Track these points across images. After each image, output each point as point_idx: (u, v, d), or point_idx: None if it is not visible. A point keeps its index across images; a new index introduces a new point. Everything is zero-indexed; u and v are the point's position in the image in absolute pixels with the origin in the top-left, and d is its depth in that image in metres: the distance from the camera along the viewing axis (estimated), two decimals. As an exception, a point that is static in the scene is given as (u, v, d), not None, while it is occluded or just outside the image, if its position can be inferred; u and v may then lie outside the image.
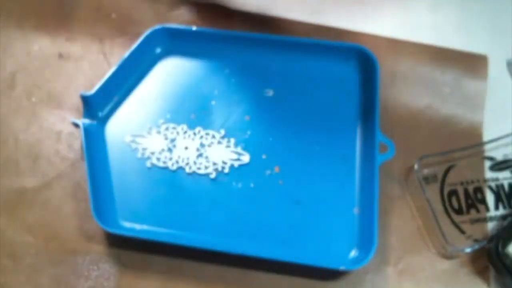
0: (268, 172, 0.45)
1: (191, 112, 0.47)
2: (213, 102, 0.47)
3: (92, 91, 0.44)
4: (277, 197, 0.44)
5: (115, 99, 0.46)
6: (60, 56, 0.49)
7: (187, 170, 0.45)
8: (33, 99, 0.48)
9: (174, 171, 0.45)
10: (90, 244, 0.43)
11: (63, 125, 0.47)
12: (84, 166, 0.44)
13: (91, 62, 0.49)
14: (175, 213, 0.44)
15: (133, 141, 0.45)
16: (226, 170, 0.45)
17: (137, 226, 0.43)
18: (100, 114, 0.45)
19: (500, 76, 0.50)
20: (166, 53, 0.47)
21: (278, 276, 0.43)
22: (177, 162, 0.45)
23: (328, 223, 0.43)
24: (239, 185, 0.44)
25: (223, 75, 0.48)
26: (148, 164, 0.45)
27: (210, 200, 0.44)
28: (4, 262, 0.42)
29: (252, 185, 0.44)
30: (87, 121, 0.44)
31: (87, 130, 0.43)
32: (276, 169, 0.45)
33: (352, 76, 0.47)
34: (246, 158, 0.45)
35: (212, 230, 0.43)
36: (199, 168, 0.45)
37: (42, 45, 0.49)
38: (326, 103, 0.47)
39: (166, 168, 0.45)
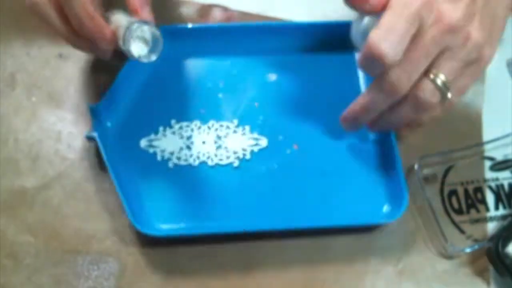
0: (288, 151, 0.46)
1: (201, 107, 0.47)
2: (220, 95, 0.47)
3: (100, 101, 0.44)
4: (302, 172, 0.45)
5: (123, 105, 0.46)
6: (60, 56, 0.49)
7: (210, 163, 0.45)
8: (33, 99, 0.48)
9: (197, 167, 0.45)
10: (90, 244, 0.43)
11: (63, 125, 0.47)
12: (83, 166, 0.45)
13: (91, 62, 0.49)
14: (206, 205, 0.44)
15: (149, 145, 0.45)
16: (248, 157, 0.45)
17: (174, 226, 0.43)
18: (110, 123, 0.45)
19: (500, 76, 0.50)
20: (167, 52, 0.47)
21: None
22: (198, 157, 0.45)
23: (355, 186, 0.45)
24: (263, 168, 0.45)
25: (225, 67, 0.48)
26: (170, 164, 0.45)
27: (238, 187, 0.45)
28: (4, 262, 0.42)
29: (275, 166, 0.45)
30: (97, 133, 0.43)
31: (103, 142, 0.43)
32: (295, 146, 0.46)
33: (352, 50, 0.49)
34: (263, 142, 0.46)
35: (245, 215, 0.44)
36: (221, 160, 0.45)
37: (42, 45, 0.49)
38: (329, 78, 0.48)
39: (188, 165, 0.45)
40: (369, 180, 0.45)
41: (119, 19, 0.41)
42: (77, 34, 0.40)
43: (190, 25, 0.48)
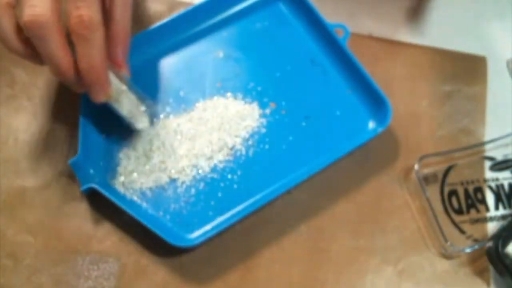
0: (267, 111, 0.47)
1: (170, 112, 0.47)
2: (181, 93, 0.48)
3: (77, 155, 0.42)
4: (289, 124, 0.47)
5: (99, 148, 0.45)
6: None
7: (221, 157, 0.45)
8: (33, 99, 0.48)
9: (197, 164, 0.45)
10: (90, 244, 0.43)
11: (63, 125, 0.47)
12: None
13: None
14: (222, 196, 0.44)
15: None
16: (237, 133, 0.46)
17: (201, 230, 0.43)
18: (99, 168, 0.44)
19: (500, 76, 0.50)
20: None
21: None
22: (195, 155, 0.45)
23: (337, 116, 0.47)
24: (255, 136, 0.46)
25: (172, 65, 0.49)
26: (179, 183, 0.45)
27: (242, 163, 0.45)
28: (4, 262, 0.42)
29: (264, 130, 0.46)
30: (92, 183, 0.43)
31: (107, 189, 0.42)
32: (272, 105, 0.47)
33: (285, 22, 0.50)
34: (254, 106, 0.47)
35: (261, 185, 0.44)
36: (221, 149, 0.46)
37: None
38: (267, 32, 0.50)
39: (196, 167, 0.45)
40: (350, 105, 0.47)
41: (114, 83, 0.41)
42: (76, 73, 0.38)
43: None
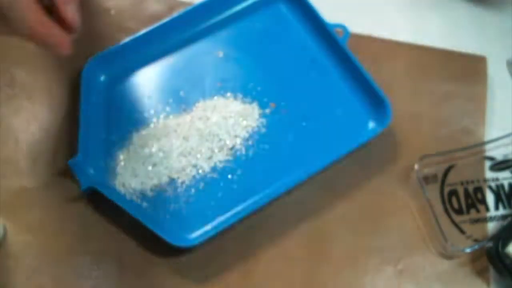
0: (267, 111, 0.47)
1: (170, 113, 0.47)
2: (181, 93, 0.48)
3: (77, 155, 0.43)
4: (289, 124, 0.47)
5: (98, 147, 0.45)
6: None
7: (213, 157, 0.45)
8: (33, 99, 0.48)
9: (198, 164, 0.45)
10: (90, 244, 0.43)
11: (63, 125, 0.47)
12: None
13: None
14: (221, 197, 0.44)
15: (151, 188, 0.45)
16: (237, 133, 0.46)
17: (201, 231, 0.43)
18: (98, 169, 0.44)
19: (500, 76, 0.50)
20: (113, 74, 0.48)
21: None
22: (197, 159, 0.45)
23: (337, 116, 0.47)
24: (255, 136, 0.46)
25: (171, 66, 0.49)
26: (179, 183, 0.45)
27: (242, 162, 0.45)
28: (4, 262, 0.42)
29: (264, 130, 0.46)
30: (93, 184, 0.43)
31: (107, 189, 0.42)
32: (272, 105, 0.47)
33: (285, 22, 0.51)
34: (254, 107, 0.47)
35: (261, 185, 0.44)
36: (220, 149, 0.46)
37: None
38: (267, 33, 0.50)
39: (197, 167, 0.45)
40: (350, 105, 0.47)
41: None
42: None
43: (128, 39, 0.48)
